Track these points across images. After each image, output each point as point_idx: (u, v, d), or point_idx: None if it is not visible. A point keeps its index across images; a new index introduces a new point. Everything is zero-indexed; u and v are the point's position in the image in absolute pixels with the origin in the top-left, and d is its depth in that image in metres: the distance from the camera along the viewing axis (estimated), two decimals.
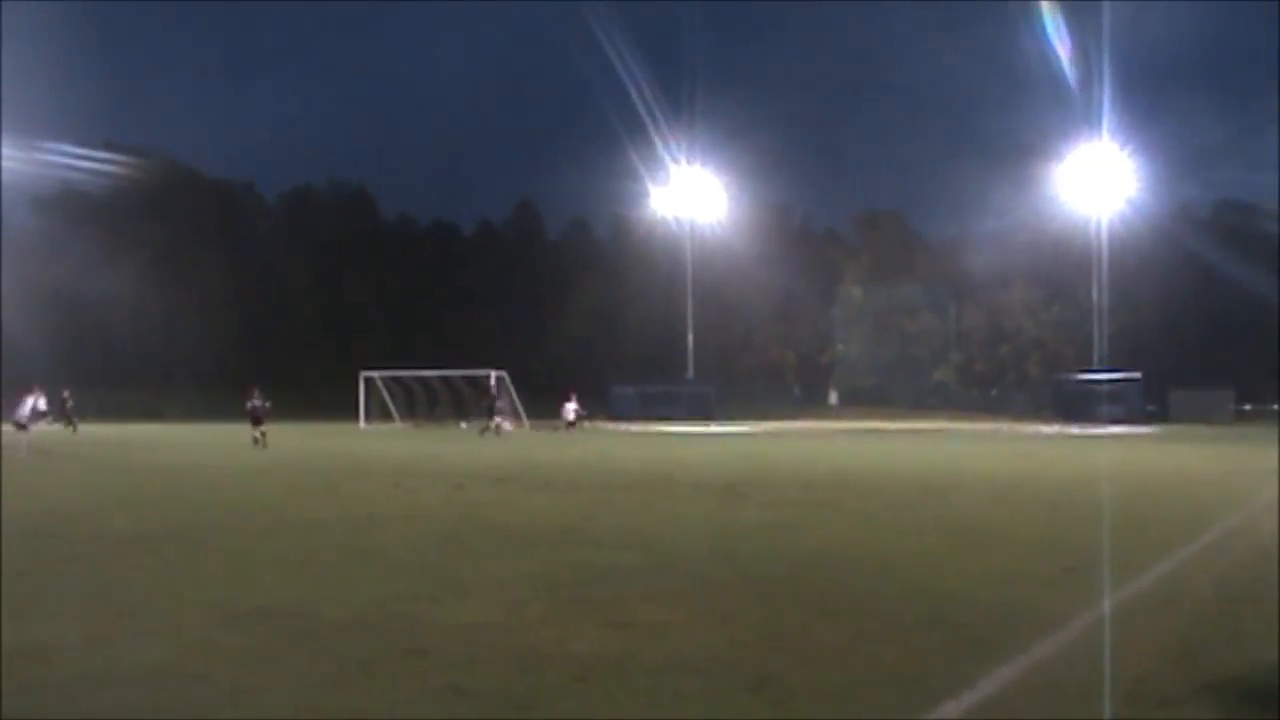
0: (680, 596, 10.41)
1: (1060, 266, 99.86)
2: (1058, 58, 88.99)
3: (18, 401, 39.71)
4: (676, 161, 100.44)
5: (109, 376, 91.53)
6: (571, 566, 12.06)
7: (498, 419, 66.10)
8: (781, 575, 11.67)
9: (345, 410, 78.29)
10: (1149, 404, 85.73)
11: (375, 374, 77.57)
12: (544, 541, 14.27)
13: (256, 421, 44.87)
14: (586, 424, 73.14)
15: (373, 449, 41.97)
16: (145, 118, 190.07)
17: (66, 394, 60.47)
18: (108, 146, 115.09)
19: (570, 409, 50.49)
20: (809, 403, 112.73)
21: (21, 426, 38.62)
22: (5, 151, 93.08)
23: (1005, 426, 76.73)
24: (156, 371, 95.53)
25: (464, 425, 70.02)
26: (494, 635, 8.57)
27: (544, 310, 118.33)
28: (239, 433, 45.08)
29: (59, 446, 41.29)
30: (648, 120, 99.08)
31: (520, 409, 72.50)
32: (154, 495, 21.86)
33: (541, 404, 75.50)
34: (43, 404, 45.79)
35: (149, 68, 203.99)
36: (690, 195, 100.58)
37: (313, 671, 7.43)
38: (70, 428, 58.04)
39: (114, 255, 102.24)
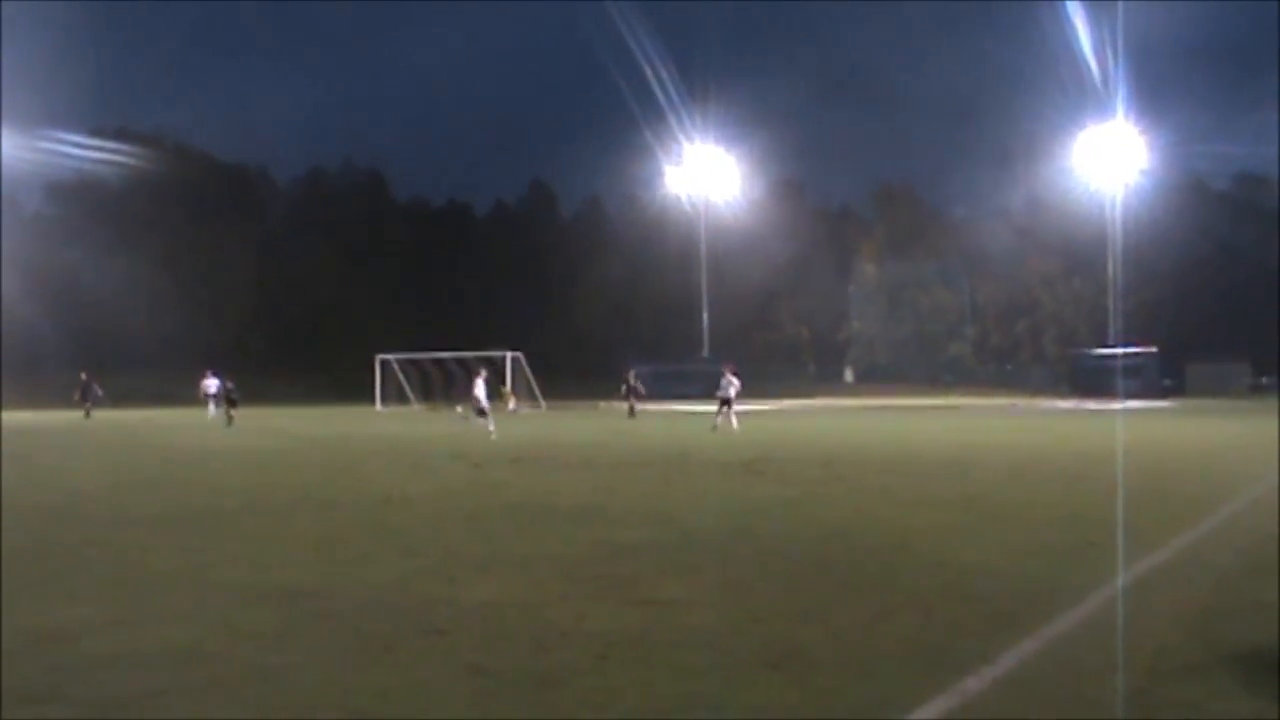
0: (700, 572, 10.43)
1: (1077, 241, 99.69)
2: (1073, 33, 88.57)
3: (471, 384, 38.91)
4: (690, 139, 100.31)
5: (125, 361, 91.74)
6: (590, 544, 12.10)
7: (513, 400, 66.06)
8: (801, 551, 11.69)
9: (361, 393, 78.43)
10: (1165, 378, 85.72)
11: (391, 356, 77.67)
12: (563, 520, 14.30)
13: (232, 404, 45.88)
14: (601, 404, 73.28)
15: (389, 431, 42.06)
16: (158, 104, 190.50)
17: (84, 376, 60.54)
18: (121, 133, 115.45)
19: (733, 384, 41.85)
20: (824, 380, 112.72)
21: (482, 412, 37.72)
22: (20, 141, 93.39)
23: (1021, 402, 76.70)
24: (172, 356, 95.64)
25: (459, 410, 70.09)
26: (514, 614, 8.58)
27: (559, 290, 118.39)
28: (256, 416, 45.31)
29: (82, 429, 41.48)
30: (661, 99, 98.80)
31: (536, 389, 72.57)
32: (174, 478, 21.92)
33: (556, 384, 75.54)
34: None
35: (161, 55, 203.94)
36: (704, 173, 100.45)
37: (334, 651, 7.46)
38: (88, 412, 58.15)
39: (129, 241, 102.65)
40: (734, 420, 38.68)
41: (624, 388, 56.38)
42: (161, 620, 8.49)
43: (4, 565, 11.07)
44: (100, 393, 60.37)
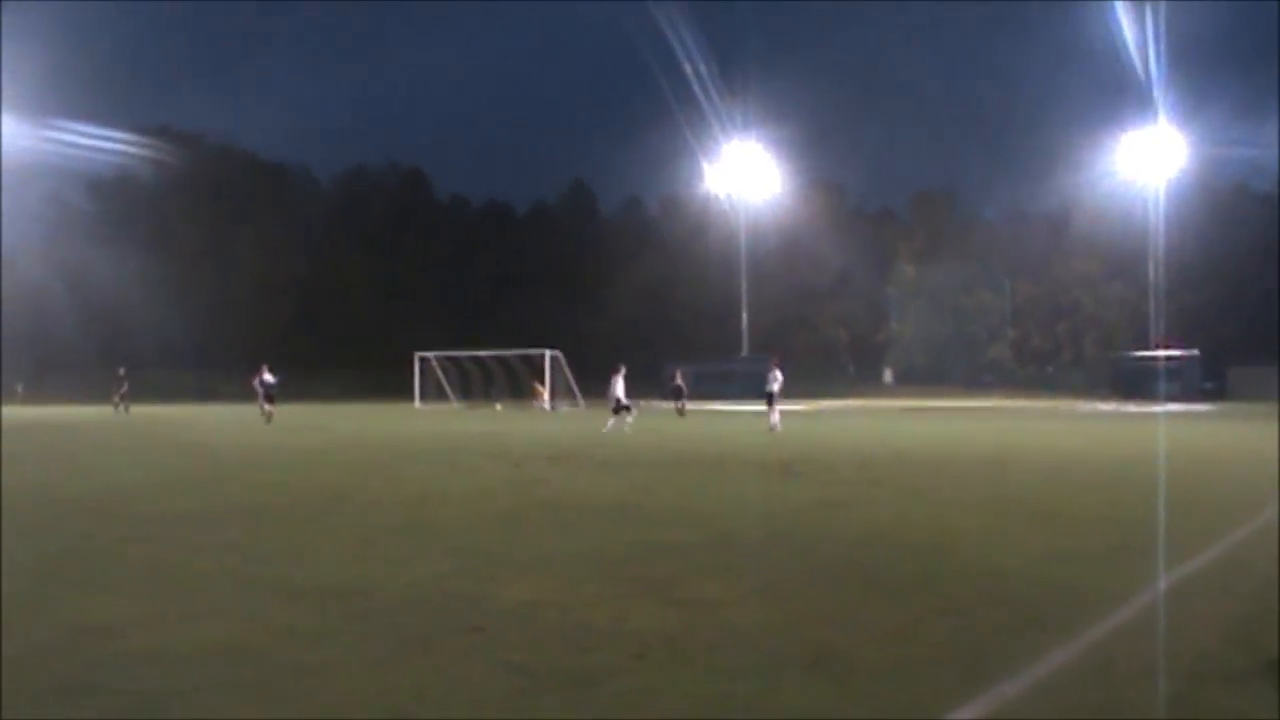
0: (737, 573, 10.42)
1: (1118, 243, 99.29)
2: (1114, 35, 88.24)
3: (611, 383, 38.14)
4: (730, 139, 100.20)
5: (165, 357, 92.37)
6: (628, 544, 12.10)
7: (546, 395, 66.19)
8: (838, 552, 11.64)
9: (400, 390, 78.68)
10: (1207, 381, 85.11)
11: (430, 354, 77.85)
12: (600, 519, 14.30)
13: (269, 400, 45.95)
14: (641, 403, 73.23)
15: (428, 428, 42.10)
16: (200, 102, 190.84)
17: (122, 372, 60.63)
18: (163, 131, 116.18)
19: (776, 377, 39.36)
20: (863, 381, 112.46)
21: (622, 408, 36.92)
22: (63, 136, 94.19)
23: (1061, 404, 76.26)
24: (212, 352, 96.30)
25: (499, 407, 70.17)
26: (552, 613, 8.59)
27: (598, 289, 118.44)
28: (296, 413, 45.32)
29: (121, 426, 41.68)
30: (701, 98, 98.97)
31: (575, 388, 72.65)
32: (212, 475, 21.98)
33: (596, 382, 75.60)
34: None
35: (204, 54, 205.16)
36: (744, 173, 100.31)
37: (373, 649, 7.48)
38: (122, 408, 58.23)
39: (170, 238, 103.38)
40: (776, 418, 37.90)
41: (672, 388, 56.06)
42: (201, 617, 8.53)
43: (45, 560, 11.20)
44: (124, 390, 60.19)
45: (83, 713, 6.18)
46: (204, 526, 13.85)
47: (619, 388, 37.41)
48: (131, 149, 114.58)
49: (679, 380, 55.98)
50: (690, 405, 56.12)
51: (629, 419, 36.23)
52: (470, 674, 6.88)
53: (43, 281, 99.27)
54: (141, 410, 60.09)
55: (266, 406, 45.85)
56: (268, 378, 46.26)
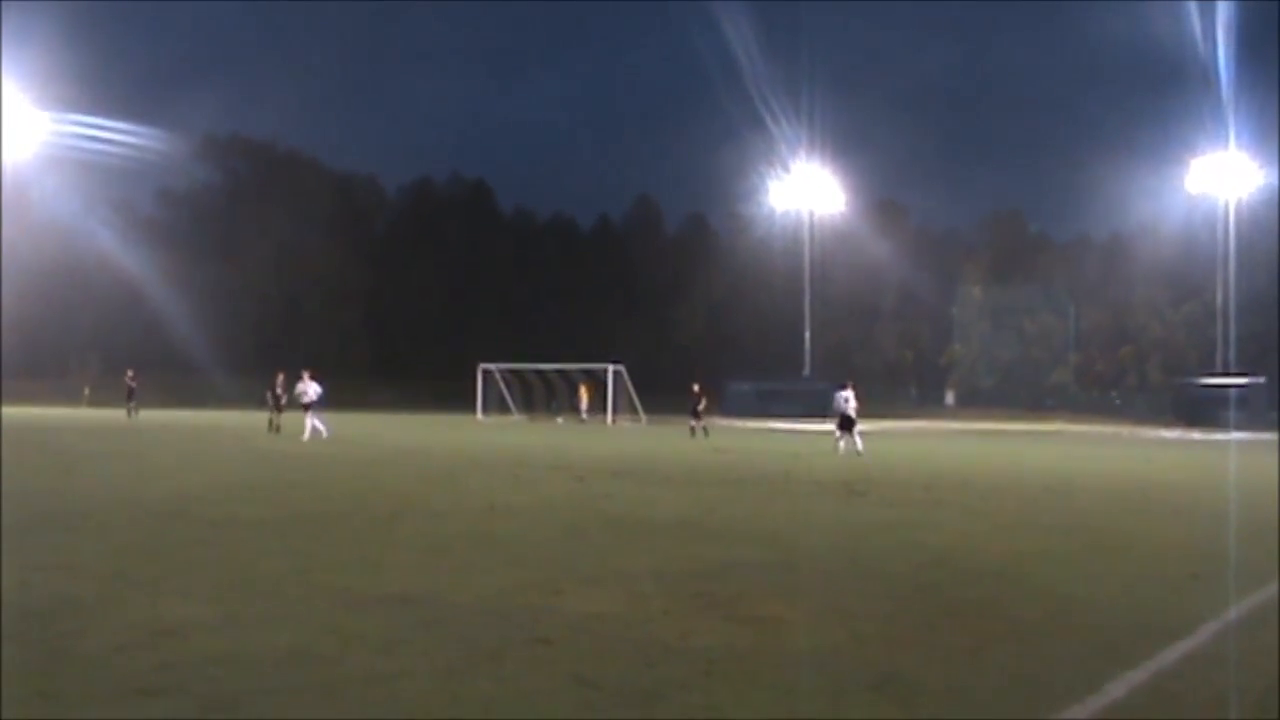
0: (802, 592, 10.44)
1: (1184, 268, 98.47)
2: (1187, 59, 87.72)
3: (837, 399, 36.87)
4: (795, 158, 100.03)
5: (229, 364, 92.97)
6: (693, 560, 12.12)
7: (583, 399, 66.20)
8: (904, 573, 11.64)
9: (463, 401, 78.82)
10: (1275, 409, 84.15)
11: (493, 366, 78.02)
12: (665, 535, 14.33)
13: (278, 410, 45.35)
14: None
15: (491, 440, 42.18)
16: (270, 111, 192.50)
17: (130, 374, 60.13)
18: (233, 139, 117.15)
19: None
20: (925, 402, 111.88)
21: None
22: (133, 140, 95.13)
23: (1125, 430, 75.60)
24: (274, 359, 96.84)
25: (560, 420, 70.26)
26: (618, 627, 8.64)
27: (661, 305, 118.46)
28: (357, 422, 45.13)
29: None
30: (767, 117, 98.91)
31: (637, 402, 72.64)
32: (280, 481, 22.15)
33: (657, 398, 75.51)
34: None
35: (274, 62, 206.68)
36: (809, 192, 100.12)
37: (441, 658, 7.54)
38: (130, 412, 57.87)
39: (237, 245, 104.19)
40: (843, 443, 36.35)
41: (690, 402, 52.55)
42: (271, 621, 8.64)
43: (119, 562, 11.37)
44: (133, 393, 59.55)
45: (158, 713, 6.26)
46: (272, 532, 13.99)
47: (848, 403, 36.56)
48: (201, 156, 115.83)
49: (696, 394, 52.23)
50: (751, 424, 55.44)
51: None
52: (538, 686, 6.92)
53: (110, 287, 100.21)
54: (206, 416, 60.41)
55: (273, 416, 45.13)
56: (310, 386, 41.62)
